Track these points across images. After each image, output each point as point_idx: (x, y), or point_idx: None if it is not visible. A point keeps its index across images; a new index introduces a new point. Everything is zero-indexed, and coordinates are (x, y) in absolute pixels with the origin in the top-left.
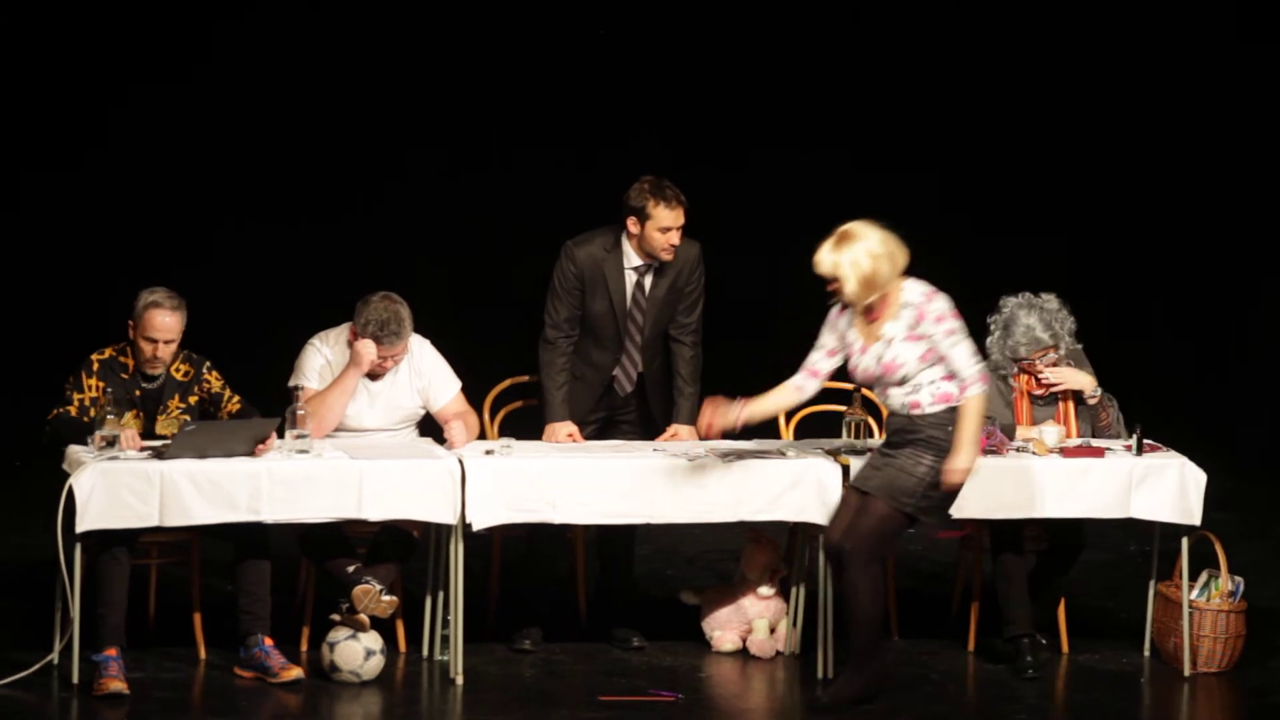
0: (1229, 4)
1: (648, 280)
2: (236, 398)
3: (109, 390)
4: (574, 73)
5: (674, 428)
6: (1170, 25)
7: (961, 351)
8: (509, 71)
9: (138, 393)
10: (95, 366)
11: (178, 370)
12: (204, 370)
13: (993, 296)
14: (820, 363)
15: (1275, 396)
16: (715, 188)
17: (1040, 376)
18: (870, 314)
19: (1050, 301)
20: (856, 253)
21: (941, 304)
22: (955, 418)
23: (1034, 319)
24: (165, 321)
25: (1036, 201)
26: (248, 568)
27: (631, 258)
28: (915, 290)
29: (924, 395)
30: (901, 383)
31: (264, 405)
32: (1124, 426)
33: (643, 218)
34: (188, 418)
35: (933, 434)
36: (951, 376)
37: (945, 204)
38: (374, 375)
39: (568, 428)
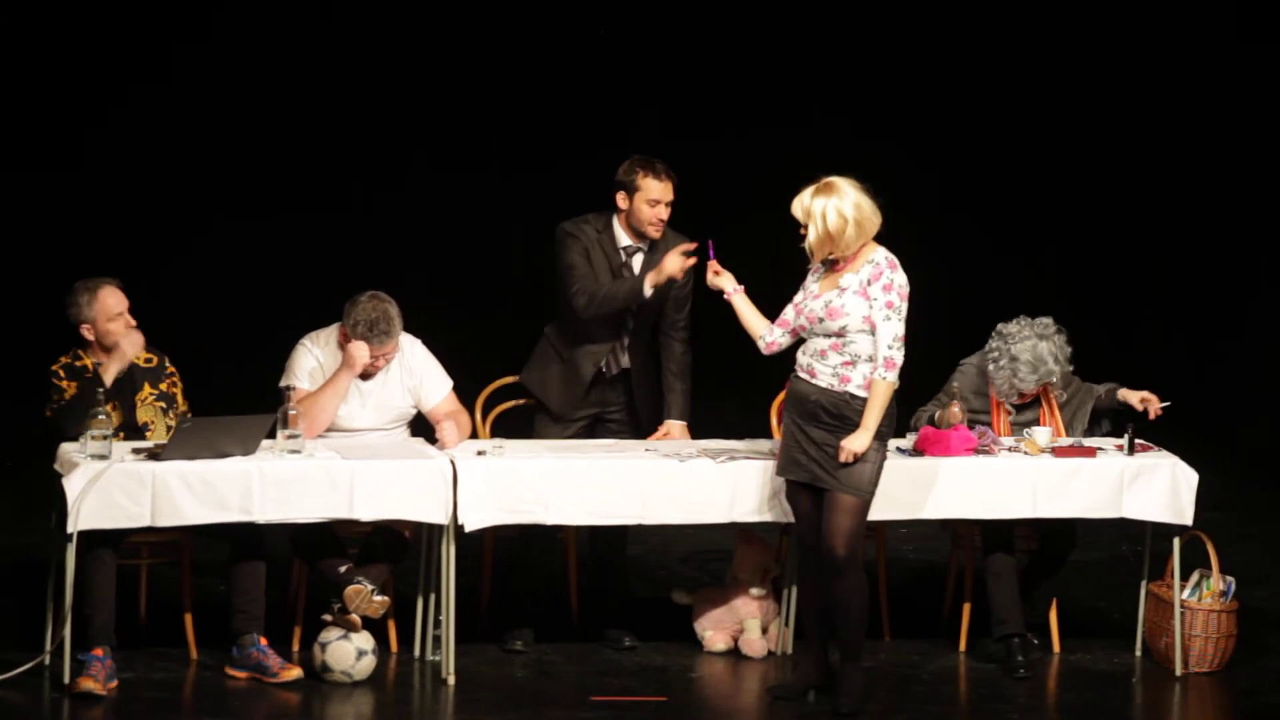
0: (1226, 5)
1: (636, 262)
2: (184, 405)
3: (101, 391)
4: (571, 73)
5: (666, 425)
6: (1167, 25)
7: (889, 330)
8: (504, 71)
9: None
10: (62, 373)
11: (139, 357)
12: (166, 362)
13: (989, 296)
14: (787, 311)
15: (1268, 396)
16: (714, 189)
17: (1152, 414)
18: (836, 267)
19: (1050, 327)
20: (830, 206)
21: (898, 278)
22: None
23: (1044, 349)
24: (118, 295)
25: (1034, 200)
26: (242, 568)
27: (621, 238)
28: (882, 254)
29: (858, 375)
30: (840, 335)
31: (255, 406)
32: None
33: (631, 190)
34: (188, 414)
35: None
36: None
37: (944, 204)
38: (365, 375)
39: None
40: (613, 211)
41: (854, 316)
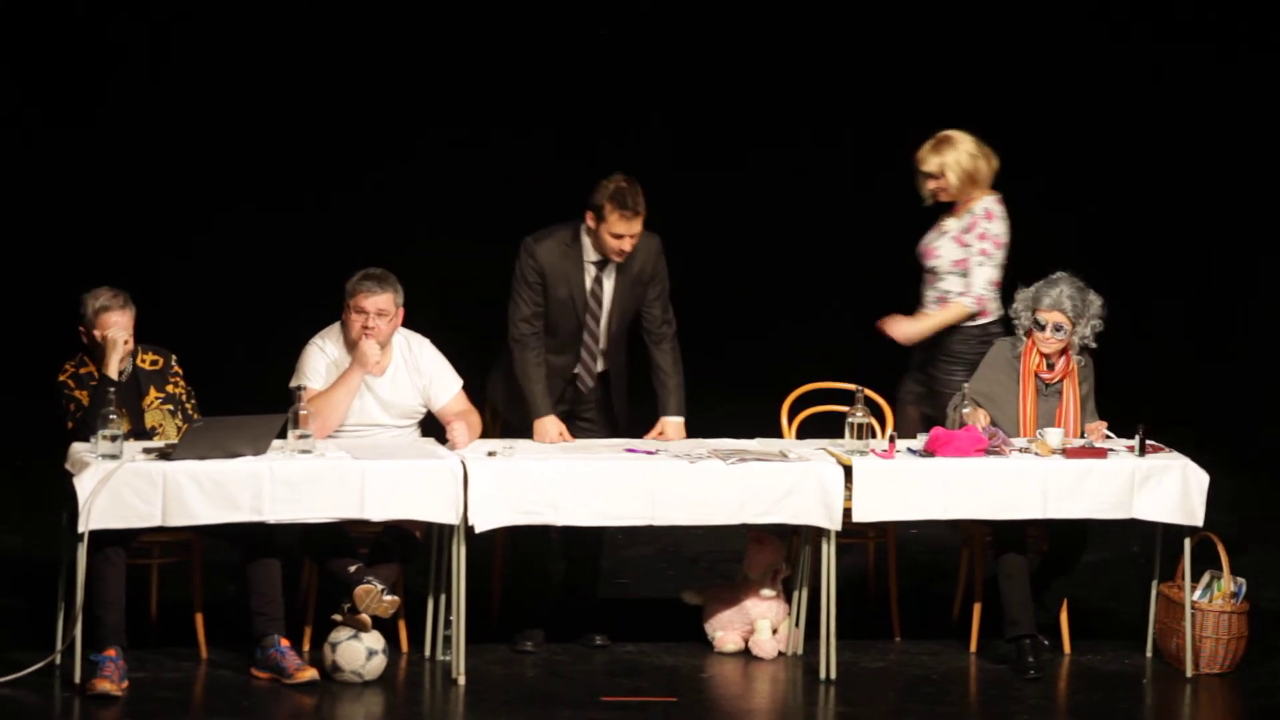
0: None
1: (605, 276)
2: (196, 416)
3: (113, 391)
4: (573, 66)
5: (661, 422)
6: (1169, 21)
7: (982, 274)
8: (506, 67)
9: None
10: (72, 383)
11: (144, 360)
12: (173, 362)
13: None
14: None
15: (1278, 397)
16: (713, 185)
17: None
18: (952, 211)
19: (1091, 292)
20: (959, 154)
21: (994, 227)
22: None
23: (1072, 288)
24: (119, 321)
25: (1036, 196)
26: (257, 568)
27: (589, 252)
28: (984, 205)
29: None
30: (932, 274)
31: (265, 406)
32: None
33: (599, 217)
34: (196, 416)
35: (958, 349)
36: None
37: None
38: (371, 367)
39: (559, 425)
40: (582, 223)
41: (944, 261)
